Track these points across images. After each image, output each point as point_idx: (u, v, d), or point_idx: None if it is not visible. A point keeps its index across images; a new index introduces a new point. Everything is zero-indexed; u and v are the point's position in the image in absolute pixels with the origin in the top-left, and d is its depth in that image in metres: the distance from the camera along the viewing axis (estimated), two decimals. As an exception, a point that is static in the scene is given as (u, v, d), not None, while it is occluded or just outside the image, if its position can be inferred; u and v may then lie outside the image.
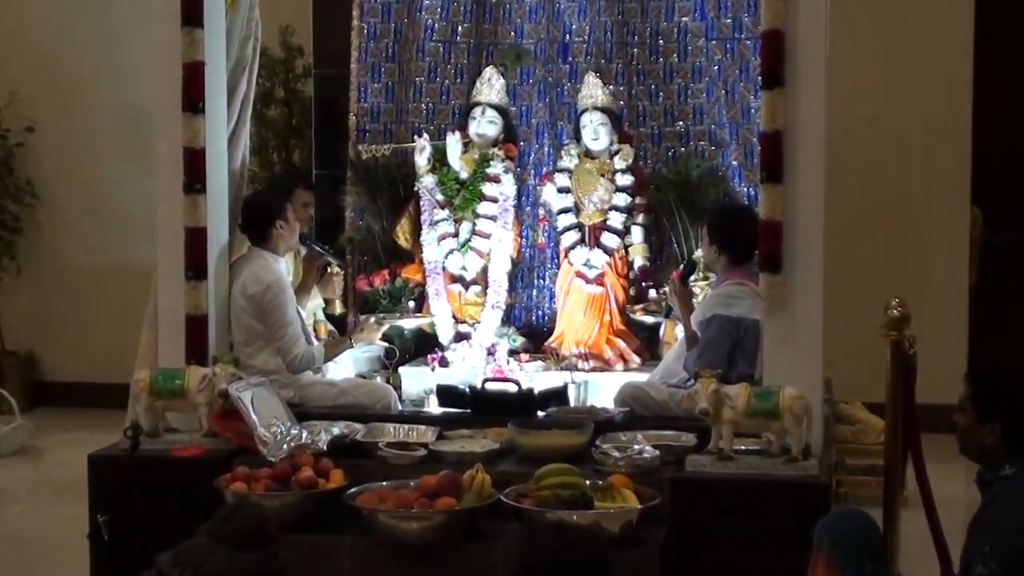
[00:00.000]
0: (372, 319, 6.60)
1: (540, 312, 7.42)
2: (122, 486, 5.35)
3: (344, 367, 6.68)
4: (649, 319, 6.83)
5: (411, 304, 7.07)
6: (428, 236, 7.14)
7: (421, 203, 7.17)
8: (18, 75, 9.30)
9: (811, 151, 5.31)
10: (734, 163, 7.18)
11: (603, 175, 7.05)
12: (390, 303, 7.15)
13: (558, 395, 6.17)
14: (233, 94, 6.20)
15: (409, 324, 6.99)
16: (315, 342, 6.33)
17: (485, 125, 7.13)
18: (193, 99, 5.81)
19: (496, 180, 7.08)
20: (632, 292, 7.05)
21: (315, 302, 6.84)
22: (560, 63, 7.44)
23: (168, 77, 5.84)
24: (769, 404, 5.04)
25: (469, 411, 6.05)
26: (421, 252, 7.16)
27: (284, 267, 6.37)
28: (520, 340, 7.10)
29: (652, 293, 6.89)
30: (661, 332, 6.85)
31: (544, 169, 7.38)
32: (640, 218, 7.07)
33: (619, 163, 7.04)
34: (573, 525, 4.47)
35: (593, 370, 6.79)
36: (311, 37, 8.11)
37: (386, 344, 6.78)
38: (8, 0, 9.41)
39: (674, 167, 7.20)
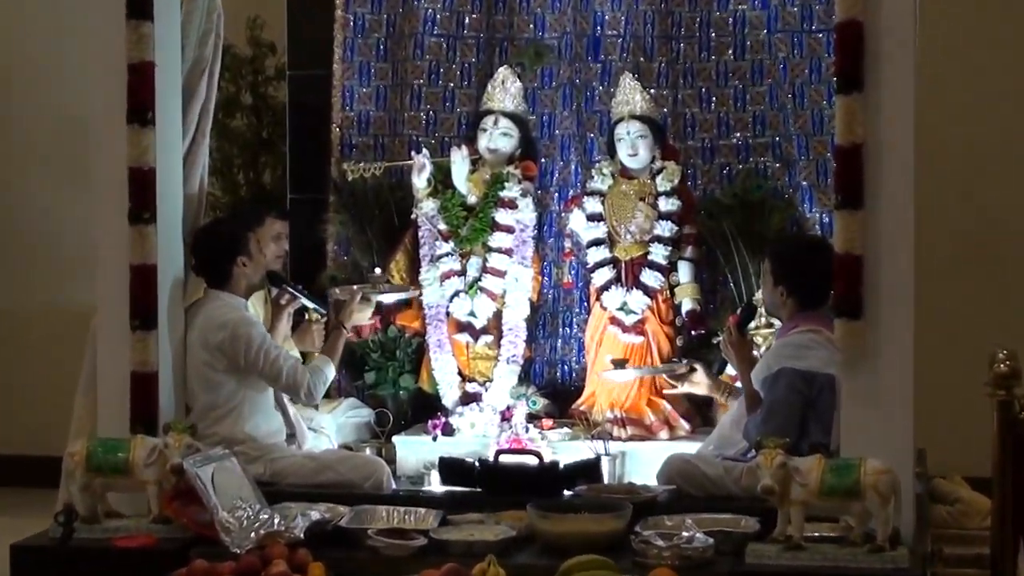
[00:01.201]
0: (357, 296, 6.62)
1: (566, 368, 7.44)
2: (53, 584, 5.34)
3: (326, 436, 6.69)
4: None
5: (377, 269, 7.07)
6: (428, 274, 7.16)
7: (420, 234, 7.21)
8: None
9: (898, 169, 5.31)
10: (804, 183, 7.20)
11: (643, 199, 7.07)
12: (381, 357, 7.16)
13: (589, 470, 6.15)
14: (190, 101, 6.23)
15: (389, 298, 6.99)
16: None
17: (498, 138, 7.17)
18: (141, 108, 5.82)
19: (512, 206, 7.11)
20: (679, 343, 7.05)
21: (290, 356, 6.83)
22: (590, 62, 7.47)
23: (110, 82, 5.86)
24: (848, 480, 5.02)
25: (479, 490, 6.04)
26: (420, 294, 7.18)
27: (248, 308, 6.40)
28: (542, 402, 7.11)
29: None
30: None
31: (571, 192, 7.41)
32: (688, 251, 7.09)
33: (663, 184, 7.05)
34: None
35: (632, 439, 6.78)
36: (285, 31, 8.11)
37: (362, 376, 6.84)
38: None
39: (730, 188, 7.22)
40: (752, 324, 6.50)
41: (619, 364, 6.85)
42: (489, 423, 6.88)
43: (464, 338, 7.12)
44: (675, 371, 6.79)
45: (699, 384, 6.73)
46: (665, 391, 6.93)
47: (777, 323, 6.42)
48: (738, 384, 6.44)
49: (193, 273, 6.25)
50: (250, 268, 6.25)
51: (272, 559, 5.05)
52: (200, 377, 6.12)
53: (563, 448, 6.64)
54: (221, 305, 6.17)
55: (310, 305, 6.82)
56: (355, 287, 6.79)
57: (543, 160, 7.44)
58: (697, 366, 6.75)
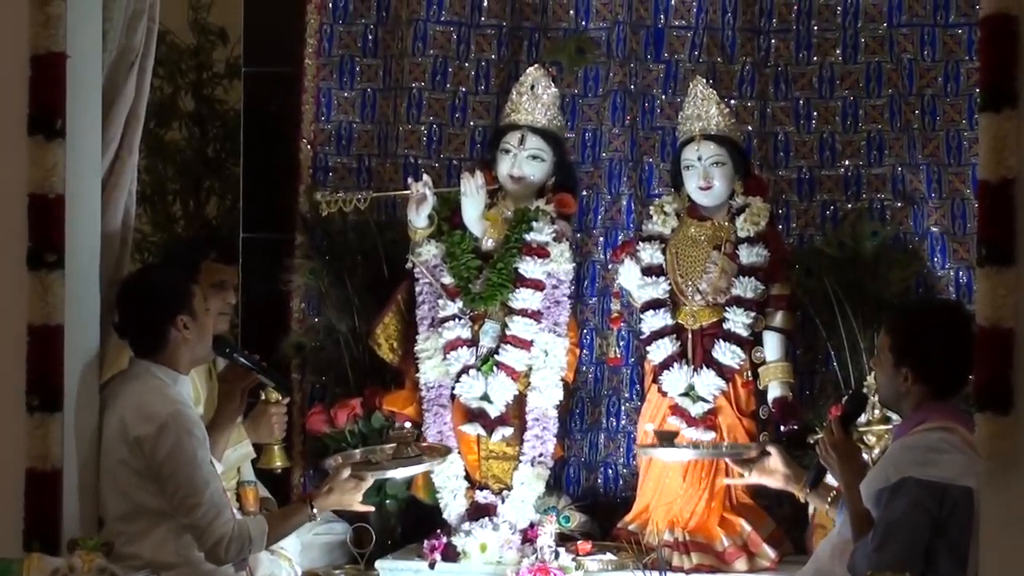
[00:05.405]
0: (344, 472, 6.53)
1: (611, 472, 7.49)
2: None
3: (287, 559, 6.69)
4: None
5: (407, 424, 7.09)
6: (428, 344, 7.20)
7: (417, 289, 7.24)
8: None
9: (1063, 213, 5.31)
10: (934, 230, 7.26)
11: (718, 247, 7.11)
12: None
13: (641, 611, 6.17)
14: (113, 106, 6.25)
15: (405, 474, 6.95)
16: (237, 514, 6.32)
17: (525, 162, 7.19)
18: (47, 114, 5.82)
19: (542, 253, 7.13)
20: (763, 439, 7.03)
21: (240, 451, 6.80)
22: (649, 62, 7.56)
23: (7, 79, 5.87)
24: (992, 633, 5.02)
25: (492, 636, 6.05)
26: (416, 371, 7.21)
27: (189, 392, 6.38)
28: (577, 518, 7.14)
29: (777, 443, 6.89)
30: (811, 510, 6.84)
31: (621, 236, 7.48)
32: (778, 319, 7.12)
33: (745, 228, 7.09)
34: None
35: (698, 570, 6.79)
36: (241, 15, 8.13)
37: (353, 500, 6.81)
38: None
39: (835, 235, 7.27)
40: (862, 418, 6.51)
41: (665, 438, 6.80)
42: (506, 545, 6.89)
43: (474, 430, 7.13)
44: (743, 455, 6.75)
45: (774, 473, 6.67)
46: (726, 481, 6.92)
47: (896, 418, 6.40)
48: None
49: (116, 336, 6.22)
50: (193, 332, 6.17)
51: None
52: (117, 480, 6.08)
53: (606, 582, 6.63)
54: (153, 388, 6.10)
55: (268, 382, 6.80)
56: (351, 456, 6.76)
57: (584, 193, 7.51)
58: (772, 449, 6.69)
